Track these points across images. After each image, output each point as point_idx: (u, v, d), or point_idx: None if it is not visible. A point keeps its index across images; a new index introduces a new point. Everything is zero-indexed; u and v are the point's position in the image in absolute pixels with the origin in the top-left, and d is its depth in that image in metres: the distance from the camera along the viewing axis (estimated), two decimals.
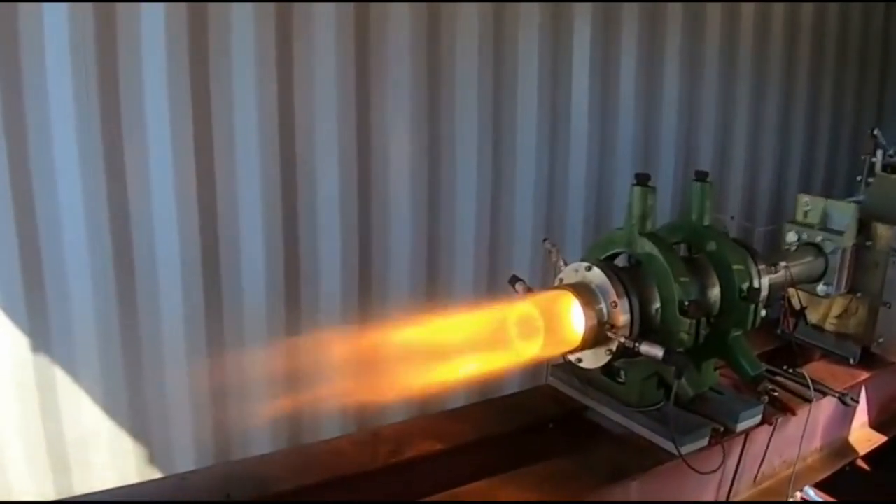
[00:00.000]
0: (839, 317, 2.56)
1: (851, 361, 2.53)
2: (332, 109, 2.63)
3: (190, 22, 2.33)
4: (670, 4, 3.33)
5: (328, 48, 2.57)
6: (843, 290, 2.47)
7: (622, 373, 1.96)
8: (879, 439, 2.60)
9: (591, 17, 3.13)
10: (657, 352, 1.69)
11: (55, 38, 2.15)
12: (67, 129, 2.22)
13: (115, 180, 2.31)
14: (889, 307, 2.46)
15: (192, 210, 2.44)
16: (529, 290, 1.84)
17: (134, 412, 2.49)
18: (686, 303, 1.79)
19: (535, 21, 3.00)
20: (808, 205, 2.49)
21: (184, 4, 2.31)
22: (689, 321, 1.80)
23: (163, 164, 2.37)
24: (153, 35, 2.28)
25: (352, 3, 2.59)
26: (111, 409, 2.44)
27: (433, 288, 2.97)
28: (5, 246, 2.20)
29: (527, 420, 2.03)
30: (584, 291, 1.77)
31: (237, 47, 2.42)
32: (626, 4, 3.21)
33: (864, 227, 2.47)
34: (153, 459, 2.55)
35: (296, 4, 2.49)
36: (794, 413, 2.12)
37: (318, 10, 2.53)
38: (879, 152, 2.80)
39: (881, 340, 2.49)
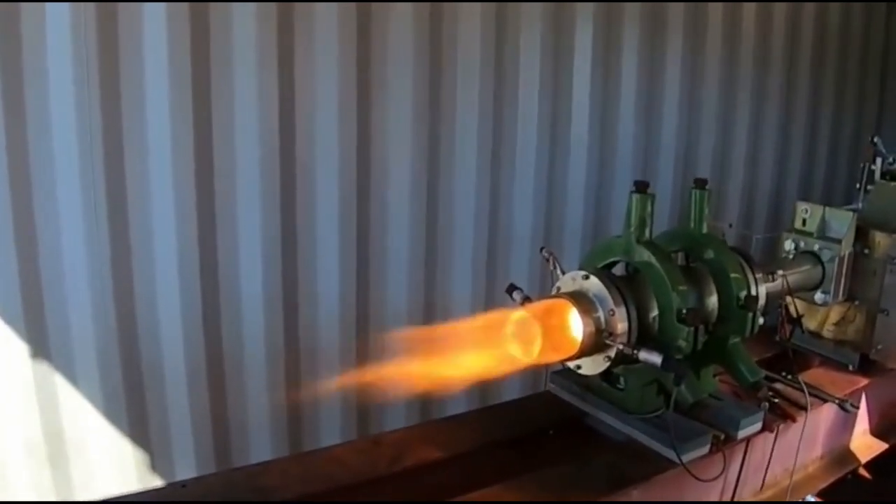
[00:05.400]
0: (837, 324, 2.57)
1: (850, 368, 2.53)
2: (332, 114, 2.64)
3: (192, 24, 2.34)
4: (671, 13, 3.36)
5: (330, 51, 2.59)
6: (840, 298, 2.47)
7: (621, 379, 1.97)
8: (881, 447, 2.59)
9: (591, 24, 3.15)
10: (656, 359, 1.70)
11: (56, 40, 2.16)
12: (68, 131, 2.23)
13: (114, 184, 2.33)
14: (887, 314, 2.46)
15: (190, 215, 2.45)
16: (527, 298, 1.85)
17: (134, 419, 2.49)
18: (684, 311, 1.79)
19: (537, 27, 3.02)
20: (807, 212, 2.50)
21: (185, 5, 2.32)
22: (687, 329, 1.80)
23: (163, 168, 2.38)
24: (154, 41, 2.30)
25: (354, 8, 2.61)
26: (111, 416, 2.44)
27: (431, 295, 2.98)
28: (3, 250, 2.20)
29: (527, 427, 2.03)
30: (581, 300, 1.78)
31: (238, 51, 2.43)
32: (627, 13, 3.23)
33: (862, 235, 2.47)
34: (153, 466, 2.55)
35: (297, 10, 2.51)
36: (794, 420, 2.12)
37: (319, 13, 2.55)
38: (879, 160, 2.80)
39: (880, 347, 2.49)
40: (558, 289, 1.88)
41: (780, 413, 2.12)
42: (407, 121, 2.81)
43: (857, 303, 2.51)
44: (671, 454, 1.82)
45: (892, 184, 2.71)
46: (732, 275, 1.99)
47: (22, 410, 2.31)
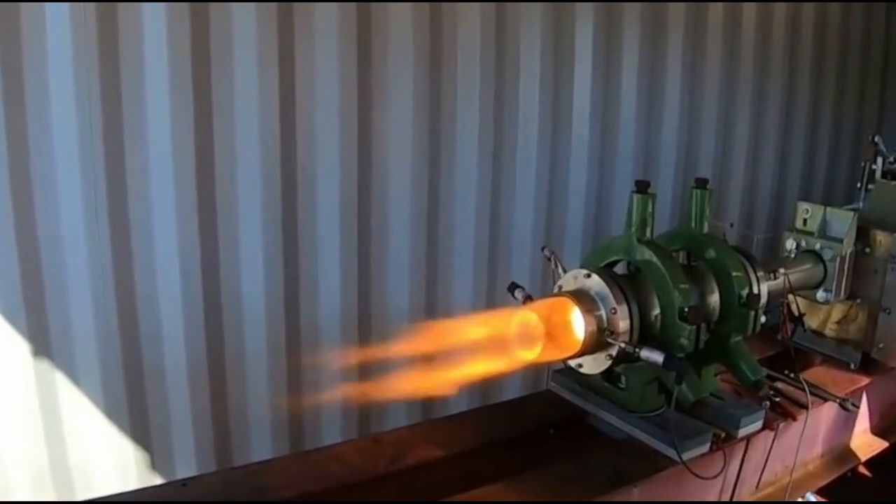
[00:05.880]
0: (839, 322, 2.57)
1: (852, 366, 2.53)
2: (333, 113, 2.64)
3: (191, 22, 2.34)
4: (672, 12, 3.35)
5: (330, 50, 2.59)
6: (842, 296, 2.47)
7: (623, 378, 1.96)
8: (881, 445, 2.59)
9: (592, 23, 3.15)
10: (657, 357, 1.70)
11: (56, 38, 2.16)
12: (68, 130, 2.22)
13: (115, 183, 2.32)
14: (888, 313, 2.47)
15: (191, 214, 2.45)
16: (529, 297, 1.85)
17: (134, 417, 2.49)
18: (686, 309, 1.79)
19: (537, 27, 3.02)
20: (808, 212, 2.50)
21: (186, 7, 2.32)
22: (689, 327, 1.80)
23: (163, 167, 2.38)
24: (154, 39, 2.30)
25: (354, 7, 2.61)
26: (112, 415, 2.44)
27: (432, 294, 2.98)
28: (4, 249, 2.20)
29: (528, 426, 2.03)
30: (583, 298, 1.78)
31: (238, 49, 2.43)
32: (627, 12, 3.23)
33: (863, 235, 2.48)
34: (154, 465, 2.55)
35: (297, 10, 2.51)
36: (794, 418, 2.12)
37: (319, 12, 2.55)
38: (880, 159, 2.80)
39: (881, 346, 2.50)
40: (560, 287, 1.88)
41: (781, 412, 2.12)
42: (408, 120, 2.80)
43: (858, 301, 2.52)
44: (672, 452, 1.82)
45: (893, 183, 2.70)
46: (734, 273, 1.99)
47: (23, 409, 2.31)
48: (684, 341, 1.81)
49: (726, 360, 2.04)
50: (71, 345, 2.35)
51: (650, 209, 1.89)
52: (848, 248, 2.43)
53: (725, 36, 3.57)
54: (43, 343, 2.31)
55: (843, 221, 2.44)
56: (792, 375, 2.26)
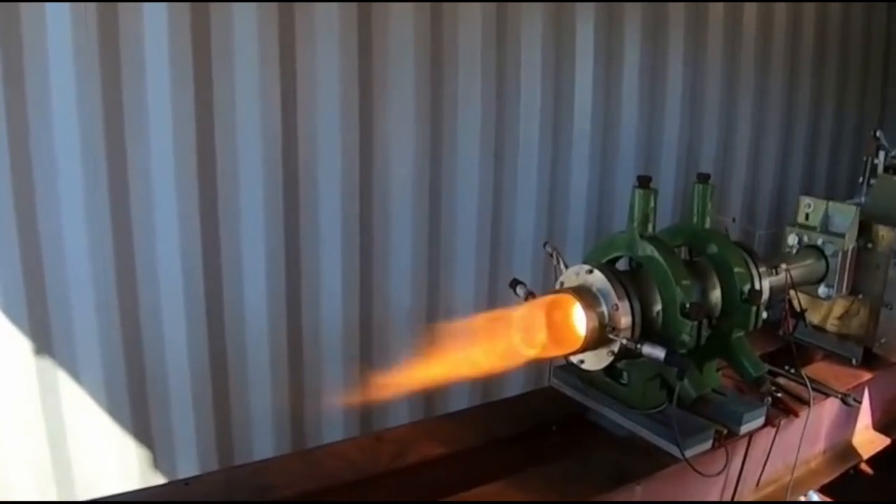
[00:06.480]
0: (840, 318, 2.56)
1: (853, 362, 2.52)
2: (334, 113, 2.64)
3: (192, 19, 2.33)
4: (673, 9, 3.35)
5: (331, 51, 2.59)
6: (844, 291, 2.47)
7: (624, 374, 1.96)
8: (883, 442, 2.59)
9: (593, 23, 3.14)
10: (659, 353, 1.69)
11: (57, 35, 2.16)
12: (70, 131, 2.23)
13: (116, 182, 2.33)
14: (890, 308, 2.46)
15: (193, 212, 2.45)
16: (531, 293, 1.84)
17: (137, 417, 2.49)
18: (687, 305, 1.79)
19: (538, 25, 3.02)
20: (810, 206, 2.49)
21: (187, 5, 2.31)
22: (690, 323, 1.80)
23: (165, 167, 2.38)
24: (156, 36, 2.30)
25: (355, 8, 2.60)
26: (114, 414, 2.44)
27: (434, 293, 2.98)
28: (6, 249, 2.20)
29: (529, 423, 2.03)
30: (585, 294, 1.77)
31: (239, 48, 2.43)
32: (628, 9, 3.22)
33: (864, 229, 2.47)
34: (156, 464, 2.55)
35: (298, 8, 2.50)
36: (796, 415, 2.12)
37: (320, 14, 2.54)
38: (881, 153, 2.79)
39: (883, 341, 2.49)
40: (562, 283, 1.87)
41: (783, 408, 2.12)
42: (409, 118, 2.80)
43: (860, 297, 2.51)
44: (674, 449, 1.82)
45: (895, 177, 2.70)
46: (736, 269, 1.98)
47: (24, 407, 2.31)
48: (686, 337, 1.81)
49: (728, 355, 2.04)
50: (73, 343, 2.35)
51: (652, 204, 1.88)
52: (850, 243, 2.42)
53: (727, 33, 3.56)
54: (45, 341, 2.31)
55: (845, 216, 2.43)
56: (793, 371, 2.26)
